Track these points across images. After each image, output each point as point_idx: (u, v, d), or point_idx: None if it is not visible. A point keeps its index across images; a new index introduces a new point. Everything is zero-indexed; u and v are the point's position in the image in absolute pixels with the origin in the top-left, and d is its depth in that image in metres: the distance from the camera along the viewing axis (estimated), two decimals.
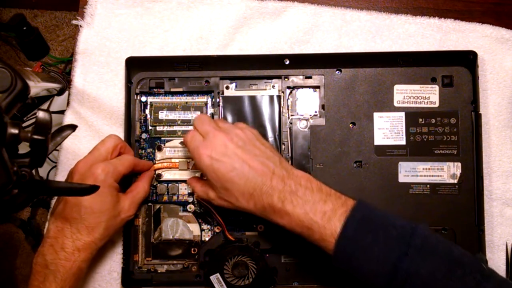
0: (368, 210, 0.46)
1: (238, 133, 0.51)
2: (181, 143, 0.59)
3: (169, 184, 0.59)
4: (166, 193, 0.59)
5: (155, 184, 0.59)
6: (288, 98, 0.60)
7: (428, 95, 0.59)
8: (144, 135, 0.60)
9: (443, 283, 0.42)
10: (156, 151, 0.60)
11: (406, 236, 0.44)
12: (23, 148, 0.40)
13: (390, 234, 0.44)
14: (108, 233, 0.53)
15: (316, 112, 0.60)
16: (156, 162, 0.59)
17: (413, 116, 0.58)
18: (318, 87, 0.60)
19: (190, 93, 0.60)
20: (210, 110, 0.60)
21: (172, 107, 0.60)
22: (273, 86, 0.60)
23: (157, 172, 0.59)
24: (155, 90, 0.60)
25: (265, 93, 0.60)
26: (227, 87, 0.60)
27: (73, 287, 0.51)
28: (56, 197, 0.61)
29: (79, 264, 0.51)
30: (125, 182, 0.57)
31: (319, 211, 0.46)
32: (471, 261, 0.44)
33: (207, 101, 0.60)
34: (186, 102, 0.60)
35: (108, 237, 0.54)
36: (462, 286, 0.42)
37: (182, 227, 0.59)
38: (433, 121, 0.58)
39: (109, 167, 0.53)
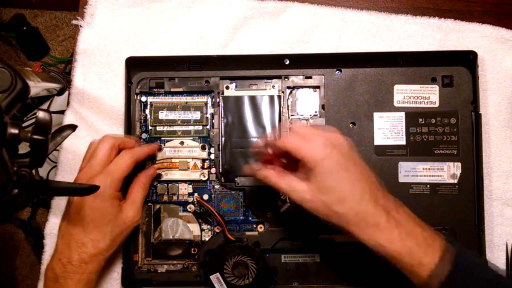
0: (472, 259, 0.45)
1: (348, 138, 0.48)
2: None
3: (169, 184, 0.59)
4: (166, 193, 0.59)
5: (155, 184, 0.59)
6: (288, 98, 0.60)
7: (428, 95, 0.59)
8: (144, 135, 0.60)
9: None
10: (156, 151, 0.60)
11: None
12: (23, 148, 0.40)
13: None
14: (115, 242, 0.54)
15: (316, 112, 0.60)
16: (156, 162, 0.59)
17: (413, 116, 0.58)
18: (318, 87, 0.60)
19: (190, 93, 0.60)
20: (210, 110, 0.60)
21: (172, 107, 0.60)
22: (273, 86, 0.60)
23: (157, 172, 0.59)
24: (155, 90, 0.60)
25: (265, 93, 0.60)
26: (227, 87, 0.60)
27: None
28: (59, 199, 0.62)
29: (88, 276, 0.52)
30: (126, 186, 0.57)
31: (420, 234, 0.44)
32: None
33: (207, 101, 0.60)
34: (186, 102, 0.60)
35: (116, 245, 0.54)
36: None
37: (182, 227, 0.59)
38: (433, 121, 0.58)
39: (106, 179, 0.52)
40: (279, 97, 0.59)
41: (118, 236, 0.54)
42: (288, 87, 0.60)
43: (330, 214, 0.46)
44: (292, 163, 0.49)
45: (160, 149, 0.59)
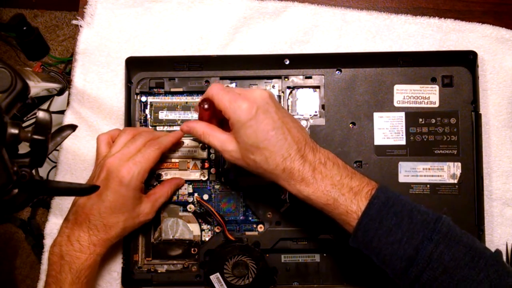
0: (394, 193, 0.46)
1: (276, 100, 0.50)
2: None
3: None
4: None
5: (155, 184, 0.59)
6: (288, 98, 0.60)
7: (428, 95, 0.59)
8: None
9: (465, 272, 0.42)
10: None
11: (431, 222, 0.44)
12: (23, 148, 0.40)
13: (415, 219, 0.44)
14: (125, 232, 0.54)
15: (316, 112, 0.60)
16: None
17: (413, 116, 0.58)
18: (318, 87, 0.60)
19: (190, 93, 0.60)
20: None
21: (172, 107, 0.60)
22: (273, 86, 0.60)
23: (157, 172, 0.59)
24: (155, 90, 0.60)
25: None
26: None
27: (88, 278, 0.52)
28: (60, 199, 0.62)
29: (95, 257, 0.52)
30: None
31: (346, 185, 0.46)
32: (493, 255, 0.43)
33: None
34: (186, 102, 0.60)
35: (125, 235, 0.55)
36: (484, 277, 0.41)
37: (182, 227, 0.59)
38: (433, 121, 0.58)
39: (134, 170, 0.52)
40: (279, 97, 0.59)
41: (129, 227, 0.54)
42: (288, 87, 0.60)
43: (260, 171, 0.48)
44: (226, 122, 0.49)
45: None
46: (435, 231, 0.43)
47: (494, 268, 0.42)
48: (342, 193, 0.46)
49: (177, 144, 0.58)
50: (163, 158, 0.59)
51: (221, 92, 0.48)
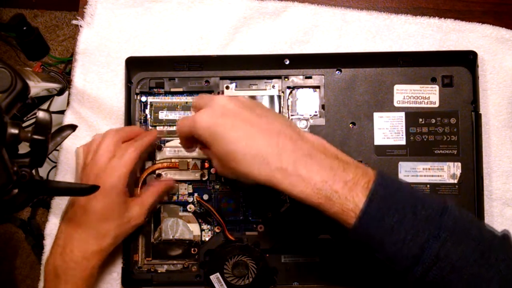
0: (393, 185, 0.41)
1: (238, 98, 0.46)
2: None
3: None
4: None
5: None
6: (288, 98, 0.60)
7: (428, 95, 0.59)
8: None
9: (474, 270, 0.39)
10: (156, 151, 0.60)
11: (436, 216, 0.40)
12: (23, 148, 0.40)
13: (419, 214, 0.40)
14: (117, 240, 0.54)
15: (316, 112, 0.60)
16: (156, 162, 0.59)
17: (413, 116, 0.58)
18: (318, 87, 0.60)
19: (190, 93, 0.60)
20: None
21: (172, 107, 0.60)
22: (273, 86, 0.60)
23: (157, 172, 0.59)
24: (155, 90, 0.60)
25: (265, 93, 0.60)
26: (227, 87, 0.60)
27: None
28: (60, 199, 0.62)
29: (90, 271, 0.51)
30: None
31: (339, 179, 0.40)
32: (502, 245, 0.41)
33: None
34: (186, 102, 0.60)
35: (118, 243, 0.54)
36: (495, 273, 0.39)
37: (182, 227, 0.59)
38: (433, 121, 0.58)
39: (114, 175, 0.52)
40: (279, 97, 0.59)
41: (121, 234, 0.54)
42: (288, 87, 0.60)
43: (246, 179, 0.43)
44: None
45: (160, 148, 0.59)
46: (441, 228, 0.39)
47: (505, 263, 0.39)
48: (335, 189, 0.40)
49: (171, 188, 0.58)
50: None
51: (181, 123, 0.47)
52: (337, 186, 0.40)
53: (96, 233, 0.51)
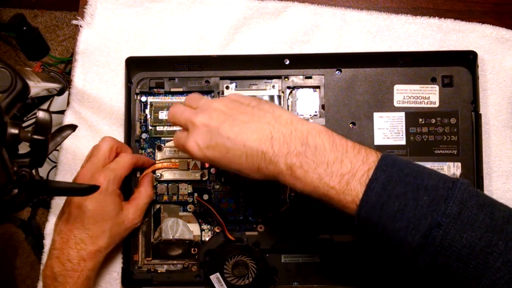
0: (395, 169, 0.40)
1: (216, 107, 0.45)
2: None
3: (169, 184, 0.59)
4: (166, 193, 0.59)
5: (155, 184, 0.59)
6: (288, 98, 0.60)
7: (428, 95, 0.59)
8: (144, 135, 0.60)
9: (480, 259, 0.37)
10: (156, 151, 0.60)
11: (441, 201, 0.38)
12: (23, 148, 0.40)
13: (421, 200, 0.38)
14: (113, 240, 0.54)
15: (316, 112, 0.60)
16: (156, 162, 0.59)
17: (413, 116, 0.58)
18: (318, 87, 0.60)
19: (190, 93, 0.60)
20: None
21: None
22: (273, 86, 0.60)
23: (157, 172, 0.59)
24: (155, 90, 0.60)
25: (265, 93, 0.60)
26: (227, 87, 0.60)
27: None
28: (59, 199, 0.62)
29: (87, 273, 0.51)
30: (125, 187, 0.57)
31: (336, 174, 0.40)
32: None
33: None
34: None
35: (114, 244, 0.54)
36: (502, 264, 0.36)
37: (182, 227, 0.59)
38: (433, 121, 0.58)
39: (110, 174, 0.52)
40: (279, 97, 0.59)
41: (116, 234, 0.54)
42: (288, 87, 0.60)
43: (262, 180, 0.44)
44: None
45: (160, 148, 0.59)
46: (445, 214, 0.37)
47: None
48: (332, 186, 0.40)
49: (154, 168, 0.59)
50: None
51: (176, 144, 0.48)
52: (334, 182, 0.40)
53: (91, 233, 0.51)
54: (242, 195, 0.59)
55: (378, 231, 0.40)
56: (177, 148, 0.49)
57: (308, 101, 0.60)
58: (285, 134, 0.42)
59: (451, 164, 0.58)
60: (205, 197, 0.59)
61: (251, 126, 0.43)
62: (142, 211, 0.56)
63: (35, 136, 0.39)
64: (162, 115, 0.60)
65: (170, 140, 0.60)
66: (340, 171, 0.40)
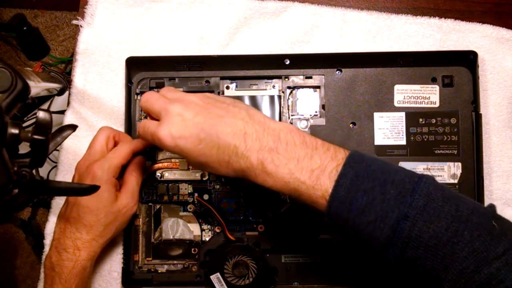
0: (363, 165, 0.41)
1: (192, 99, 0.46)
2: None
3: (170, 184, 0.59)
4: (166, 193, 0.59)
5: (155, 184, 0.59)
6: (288, 98, 0.60)
7: (428, 95, 0.59)
8: None
9: (447, 250, 0.38)
10: (157, 151, 0.60)
11: (407, 194, 0.39)
12: (24, 148, 0.40)
13: (388, 194, 0.39)
14: (110, 230, 0.54)
15: (316, 112, 0.60)
16: (157, 162, 0.59)
17: (413, 116, 0.58)
18: (318, 87, 0.60)
19: (190, 93, 0.60)
20: None
21: None
22: (274, 86, 0.60)
23: (157, 172, 0.59)
24: (155, 90, 0.60)
25: (265, 93, 0.60)
26: (227, 87, 0.60)
27: (78, 287, 0.51)
28: (60, 199, 0.62)
29: (82, 263, 0.51)
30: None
31: (306, 169, 0.41)
32: (481, 221, 0.38)
33: None
34: None
35: (111, 234, 0.54)
36: (469, 253, 0.37)
37: (182, 227, 0.59)
38: (434, 121, 0.58)
39: (104, 164, 0.52)
40: (279, 97, 0.59)
41: (112, 223, 0.53)
42: (289, 87, 0.60)
43: (228, 176, 0.45)
44: None
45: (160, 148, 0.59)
46: (411, 206, 0.38)
47: (481, 240, 0.37)
48: (302, 180, 0.41)
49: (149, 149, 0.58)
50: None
51: (142, 132, 0.48)
52: (304, 177, 0.41)
53: (86, 221, 0.52)
54: (242, 195, 0.59)
55: (348, 226, 0.41)
56: (141, 137, 0.48)
57: (308, 101, 0.60)
58: (258, 131, 0.43)
59: (451, 164, 0.58)
60: (206, 197, 0.59)
61: (226, 120, 0.44)
62: (134, 194, 0.55)
63: (36, 136, 0.39)
64: None
65: None
66: (310, 166, 0.41)
